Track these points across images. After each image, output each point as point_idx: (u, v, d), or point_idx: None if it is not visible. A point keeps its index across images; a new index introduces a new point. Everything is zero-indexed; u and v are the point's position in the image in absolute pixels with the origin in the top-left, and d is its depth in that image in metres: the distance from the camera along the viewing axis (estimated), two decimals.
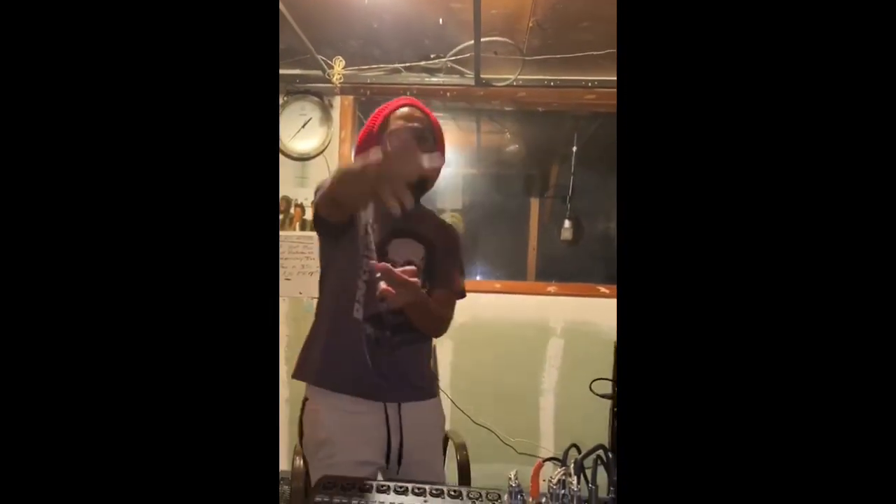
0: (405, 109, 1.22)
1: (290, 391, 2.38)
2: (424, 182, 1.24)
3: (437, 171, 1.25)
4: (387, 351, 1.17)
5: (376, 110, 1.25)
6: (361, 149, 1.26)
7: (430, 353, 1.33)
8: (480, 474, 1.89)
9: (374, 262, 1.13)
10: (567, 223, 2.48)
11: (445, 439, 1.34)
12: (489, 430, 2.33)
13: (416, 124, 1.19)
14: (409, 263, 1.18)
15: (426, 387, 1.28)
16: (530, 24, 1.92)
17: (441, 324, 1.24)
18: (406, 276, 0.96)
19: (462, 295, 1.30)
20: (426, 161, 0.74)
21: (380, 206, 1.17)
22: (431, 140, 1.22)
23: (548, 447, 2.35)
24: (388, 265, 0.97)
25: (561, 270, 2.50)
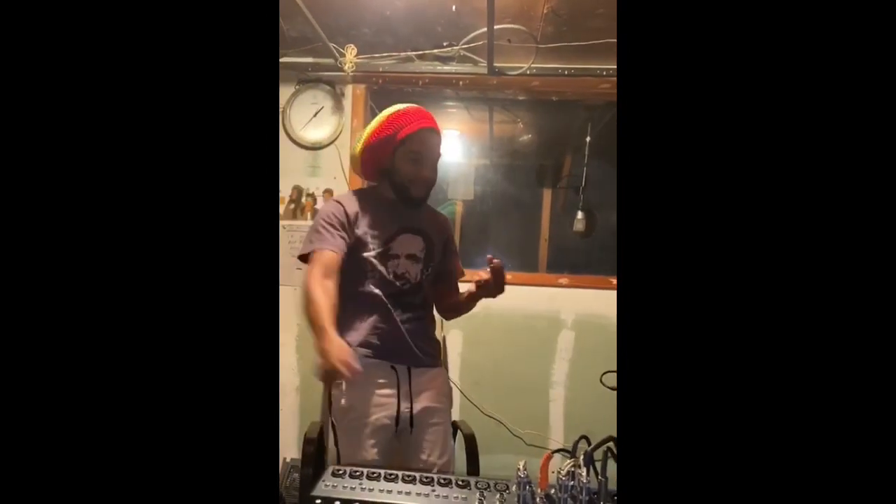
0: (425, 133, 1.37)
1: (300, 380, 2.39)
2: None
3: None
4: (395, 325, 1.35)
5: (394, 115, 1.35)
6: (373, 149, 1.39)
7: (434, 323, 1.48)
8: (489, 465, 1.89)
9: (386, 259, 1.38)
10: (580, 214, 2.45)
11: (454, 426, 1.48)
12: (498, 421, 2.33)
13: (436, 151, 1.39)
14: (412, 257, 1.40)
15: (433, 354, 1.44)
16: (545, 11, 1.89)
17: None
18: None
19: (462, 274, 1.54)
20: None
21: (379, 211, 1.40)
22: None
23: (557, 439, 2.34)
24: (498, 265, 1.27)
25: (573, 262, 2.49)
